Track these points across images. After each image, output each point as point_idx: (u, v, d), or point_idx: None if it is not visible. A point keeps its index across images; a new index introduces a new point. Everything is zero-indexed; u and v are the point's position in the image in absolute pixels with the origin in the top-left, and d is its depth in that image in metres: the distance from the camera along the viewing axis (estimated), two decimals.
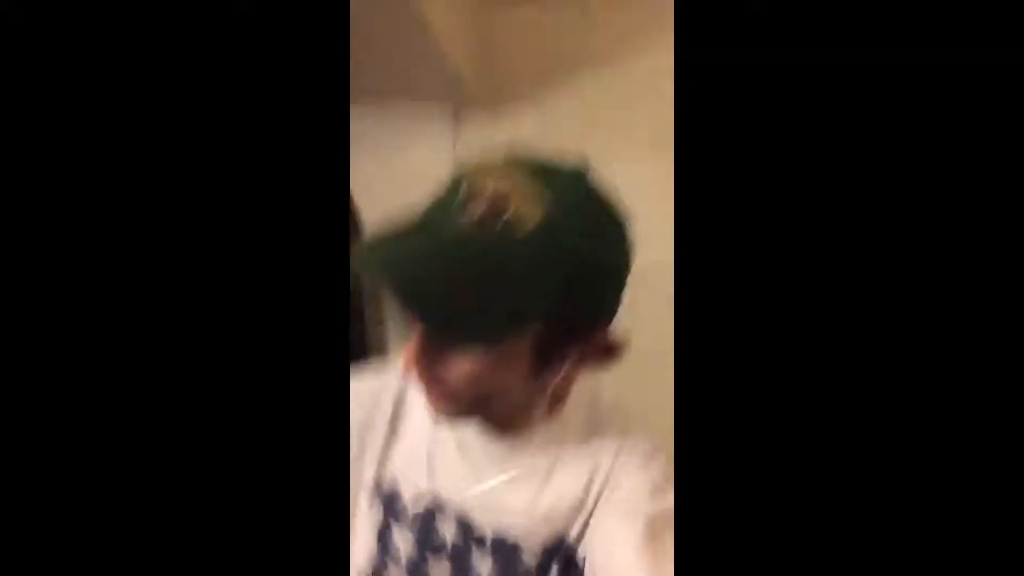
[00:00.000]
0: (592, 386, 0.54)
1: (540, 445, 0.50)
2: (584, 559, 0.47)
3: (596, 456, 0.50)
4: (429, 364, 0.43)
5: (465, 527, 0.50)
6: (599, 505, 0.49)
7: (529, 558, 0.48)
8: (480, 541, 0.49)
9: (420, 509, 0.51)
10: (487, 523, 0.50)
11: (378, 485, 0.52)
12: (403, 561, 0.51)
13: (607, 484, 0.49)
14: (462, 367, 0.43)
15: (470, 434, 0.51)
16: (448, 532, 0.50)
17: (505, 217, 0.40)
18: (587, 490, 0.49)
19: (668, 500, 0.47)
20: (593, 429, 0.52)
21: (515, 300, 0.41)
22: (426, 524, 0.51)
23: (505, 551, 0.49)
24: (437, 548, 0.50)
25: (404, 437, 0.53)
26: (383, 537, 0.52)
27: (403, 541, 0.51)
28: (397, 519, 0.51)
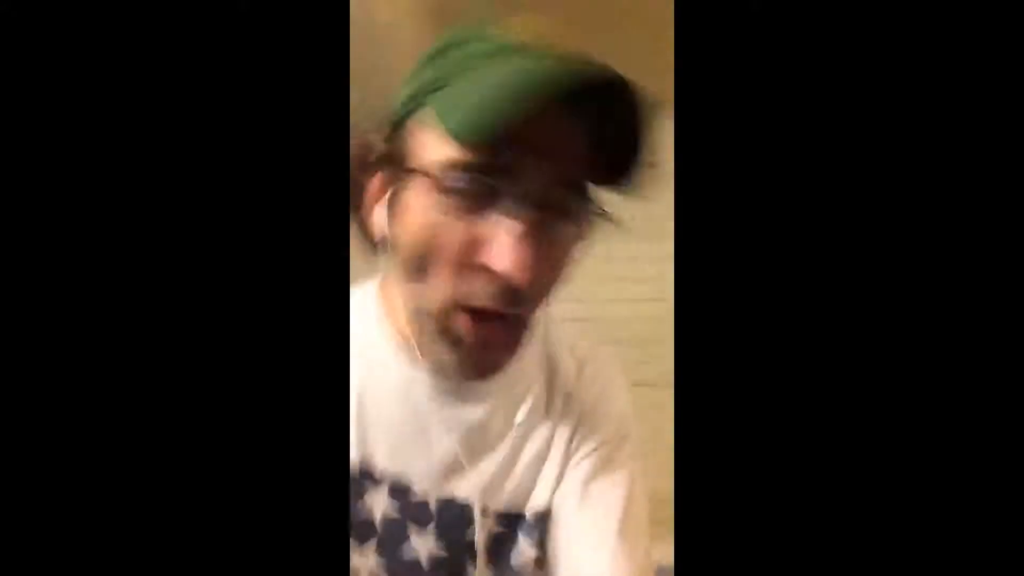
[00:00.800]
0: (548, 349, 0.51)
1: (498, 401, 0.47)
2: (541, 540, 0.46)
3: (555, 420, 0.48)
4: (531, 258, 0.35)
5: (401, 492, 0.45)
6: (563, 485, 0.47)
7: (482, 525, 0.45)
8: (419, 506, 0.45)
9: (353, 467, 0.45)
10: (430, 489, 0.46)
11: None
12: None
13: (567, 455, 0.48)
14: (555, 253, 0.38)
15: (420, 393, 0.45)
16: (379, 502, 0.45)
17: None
18: (544, 455, 0.47)
19: (635, 499, 0.47)
20: (551, 388, 0.50)
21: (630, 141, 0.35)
22: (357, 485, 0.45)
23: (453, 516, 0.45)
24: (364, 524, 0.45)
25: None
26: None
27: None
28: None
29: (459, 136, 0.34)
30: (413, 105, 0.38)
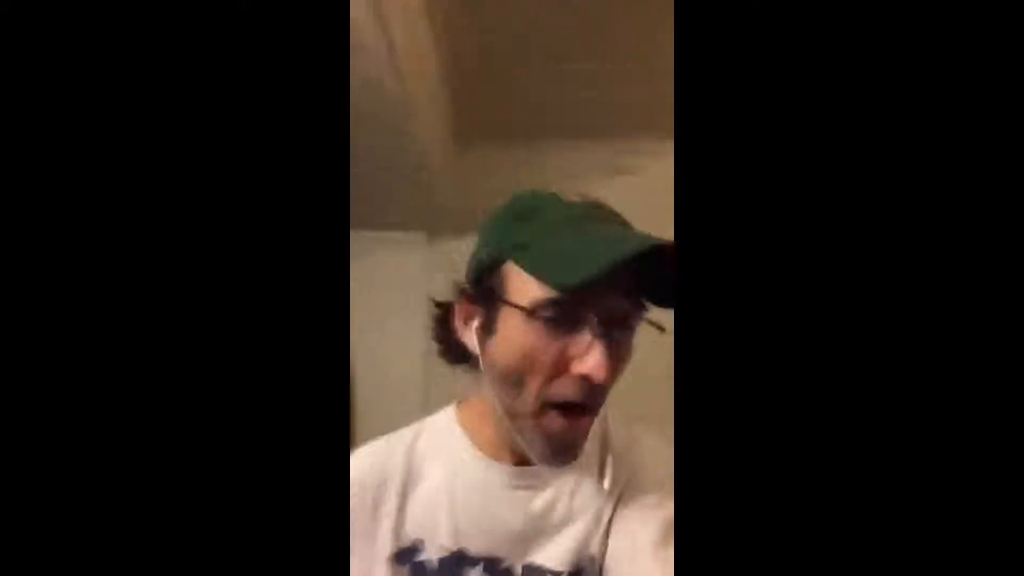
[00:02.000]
0: (601, 427, 0.60)
1: (562, 480, 0.55)
2: None
3: (609, 484, 0.55)
4: (614, 364, 0.47)
5: (492, 566, 0.53)
6: (618, 539, 0.54)
7: None
8: (508, 574, 0.53)
9: (446, 562, 0.53)
10: (516, 559, 0.53)
11: (397, 553, 0.54)
12: None
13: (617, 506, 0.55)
14: (627, 358, 0.49)
15: (496, 484, 0.55)
16: (475, 573, 0.53)
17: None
18: (600, 514, 0.54)
19: (669, 549, 0.52)
20: (604, 462, 0.57)
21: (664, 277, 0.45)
22: (452, 571, 0.53)
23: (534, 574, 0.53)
24: None
25: (418, 503, 0.55)
26: None
27: None
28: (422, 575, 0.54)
29: (563, 284, 0.45)
30: (498, 257, 0.50)
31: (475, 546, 0.54)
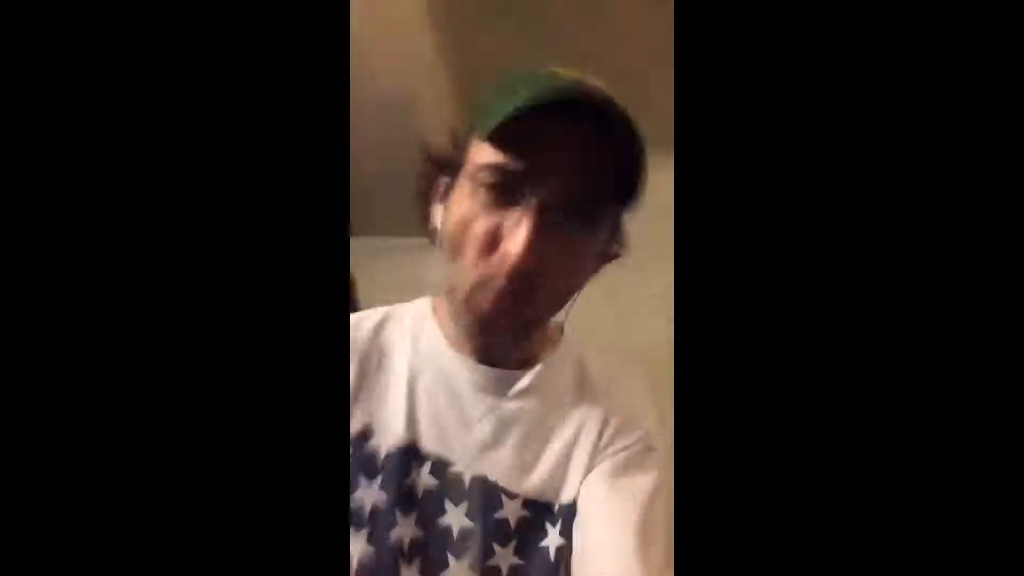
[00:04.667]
0: (580, 351, 0.57)
1: (532, 392, 0.52)
2: (568, 531, 0.49)
3: (584, 416, 0.52)
4: (543, 249, 0.43)
5: (441, 468, 0.49)
6: (589, 478, 0.50)
7: (509, 507, 0.49)
8: (456, 481, 0.49)
9: (392, 454, 0.49)
10: (466, 467, 0.50)
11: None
12: (366, 515, 0.48)
13: (596, 451, 0.51)
14: (566, 251, 0.44)
15: (462, 380, 0.52)
16: (421, 477, 0.49)
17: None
18: (571, 448, 0.51)
19: (658, 502, 0.49)
20: (581, 388, 0.54)
21: (639, 171, 0.43)
22: (399, 470, 0.49)
23: (484, 493, 0.49)
24: (406, 495, 0.48)
25: (376, 387, 0.52)
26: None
27: (368, 494, 0.48)
28: (364, 469, 0.49)
29: (485, 137, 0.43)
30: (469, 130, 0.47)
31: (428, 443, 0.50)
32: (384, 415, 0.51)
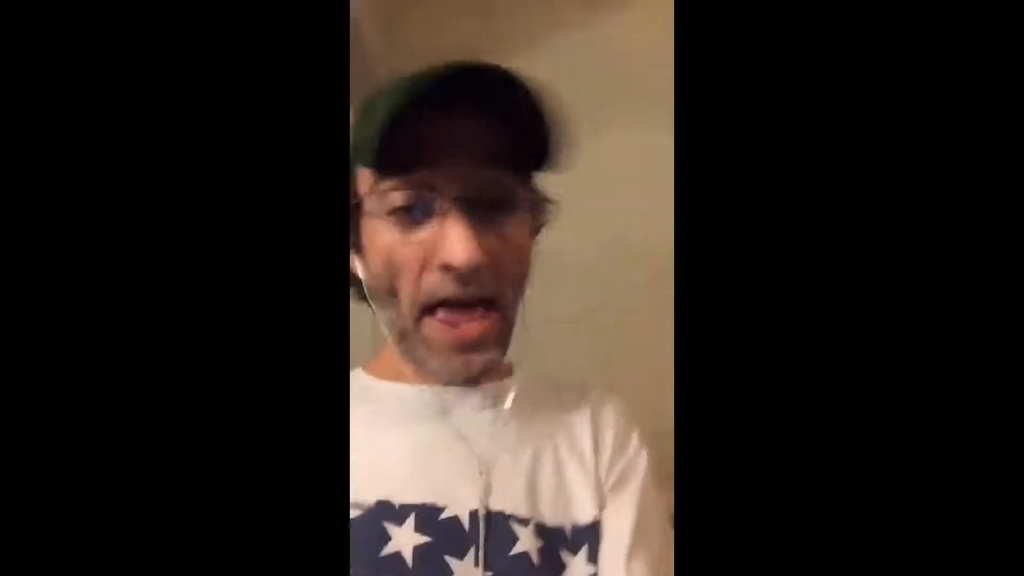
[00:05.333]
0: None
1: (522, 402, 0.46)
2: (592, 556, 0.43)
3: (572, 423, 0.48)
4: (481, 244, 0.39)
5: (430, 517, 0.41)
6: (615, 504, 0.45)
7: (525, 538, 0.41)
8: (454, 528, 0.41)
9: (359, 519, 0.40)
10: (464, 505, 0.42)
11: None
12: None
13: (598, 465, 0.46)
14: (504, 239, 0.41)
15: (441, 407, 0.45)
16: (405, 537, 0.40)
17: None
18: (568, 461, 0.46)
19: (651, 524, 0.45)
20: (559, 393, 0.50)
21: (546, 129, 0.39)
22: (370, 538, 0.40)
23: (493, 530, 0.41)
24: (391, 566, 0.40)
25: None
26: None
27: None
28: None
29: (369, 164, 0.40)
30: (354, 159, 0.42)
31: (405, 492, 0.41)
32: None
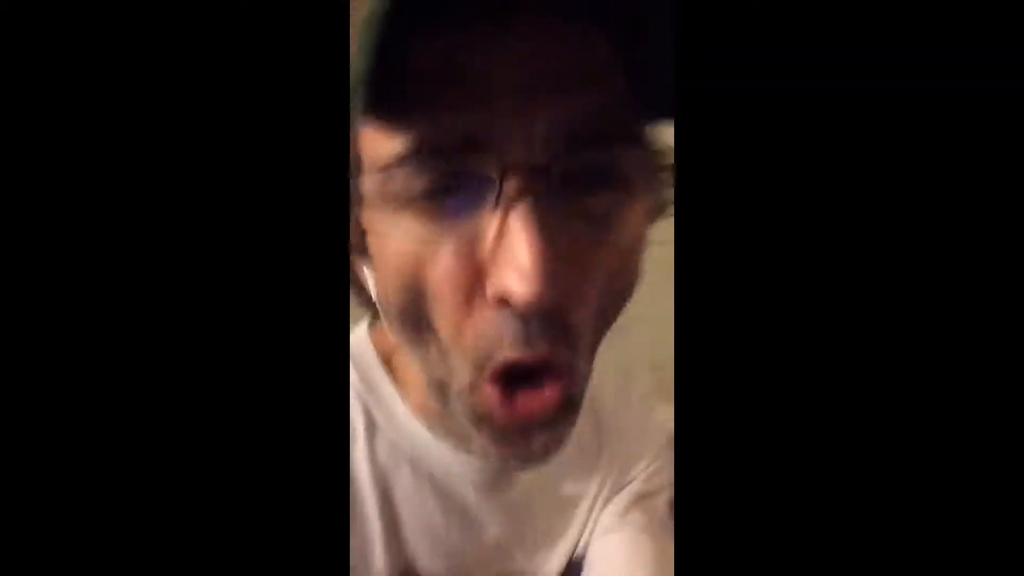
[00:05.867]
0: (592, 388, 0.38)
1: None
2: None
3: (603, 466, 0.41)
4: (558, 252, 0.23)
5: None
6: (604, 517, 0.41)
7: None
8: None
9: None
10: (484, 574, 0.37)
11: None
12: None
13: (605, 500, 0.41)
14: (596, 240, 0.25)
15: (456, 476, 0.36)
16: None
17: None
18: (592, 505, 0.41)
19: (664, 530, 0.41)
20: (598, 434, 0.42)
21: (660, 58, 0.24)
22: None
23: None
24: None
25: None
26: None
27: None
28: None
29: (370, 110, 0.22)
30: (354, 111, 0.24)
31: (425, 561, 0.35)
32: (355, 541, 0.33)
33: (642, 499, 0.41)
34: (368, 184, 0.25)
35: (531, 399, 0.26)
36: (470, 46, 0.22)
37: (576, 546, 0.39)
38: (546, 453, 0.28)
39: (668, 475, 0.42)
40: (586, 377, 0.28)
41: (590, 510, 0.39)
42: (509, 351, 0.25)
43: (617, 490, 0.41)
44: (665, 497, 0.42)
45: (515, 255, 0.22)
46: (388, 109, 0.23)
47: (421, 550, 0.35)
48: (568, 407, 0.27)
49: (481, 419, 0.27)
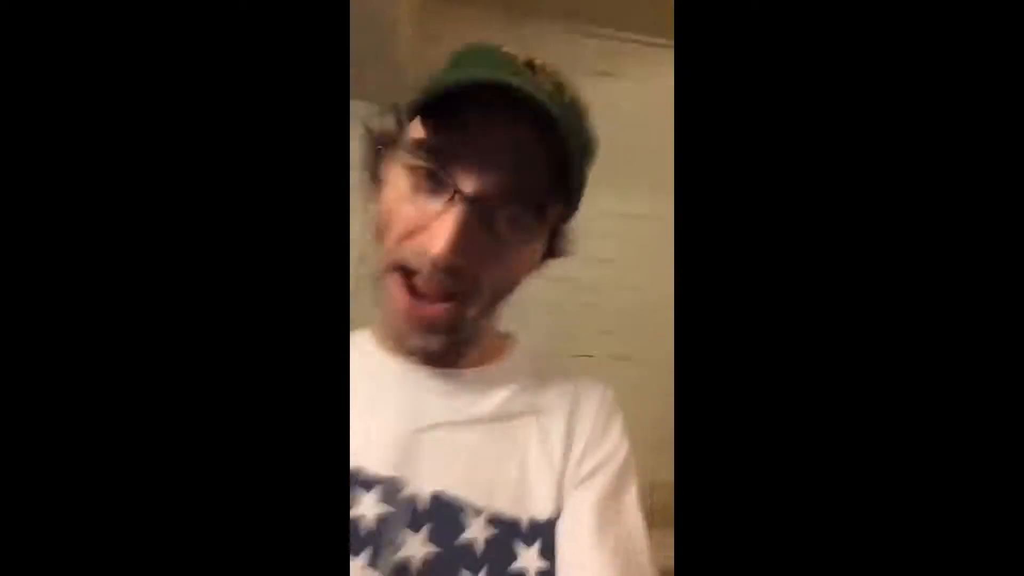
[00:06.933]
0: (532, 359, 0.54)
1: (489, 395, 0.48)
2: (544, 551, 0.43)
3: (545, 424, 0.48)
4: (468, 246, 0.40)
5: (392, 492, 0.43)
6: (573, 503, 0.45)
7: (475, 525, 0.43)
8: (411, 504, 0.43)
9: None
10: (422, 486, 0.44)
11: None
12: None
13: (566, 466, 0.47)
14: (496, 249, 0.42)
15: (411, 386, 0.47)
16: (369, 506, 0.42)
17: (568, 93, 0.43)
18: (535, 459, 0.46)
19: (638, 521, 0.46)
20: (537, 395, 0.50)
21: (571, 173, 0.41)
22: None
23: (445, 512, 0.43)
24: (353, 533, 0.42)
25: None
26: None
27: None
28: None
29: (417, 111, 0.40)
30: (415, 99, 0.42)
31: (374, 465, 0.43)
32: None
33: (613, 494, 0.46)
34: (402, 148, 0.43)
35: (425, 308, 0.42)
36: (483, 125, 0.40)
37: (517, 495, 0.45)
38: (443, 354, 0.45)
39: (630, 472, 0.49)
40: (473, 318, 0.44)
41: (529, 465, 0.46)
42: (417, 267, 0.41)
43: (570, 469, 0.47)
44: (632, 496, 0.48)
45: (440, 232, 0.39)
46: (432, 122, 0.41)
47: (371, 453, 0.44)
48: (450, 327, 0.43)
49: (387, 302, 0.44)
